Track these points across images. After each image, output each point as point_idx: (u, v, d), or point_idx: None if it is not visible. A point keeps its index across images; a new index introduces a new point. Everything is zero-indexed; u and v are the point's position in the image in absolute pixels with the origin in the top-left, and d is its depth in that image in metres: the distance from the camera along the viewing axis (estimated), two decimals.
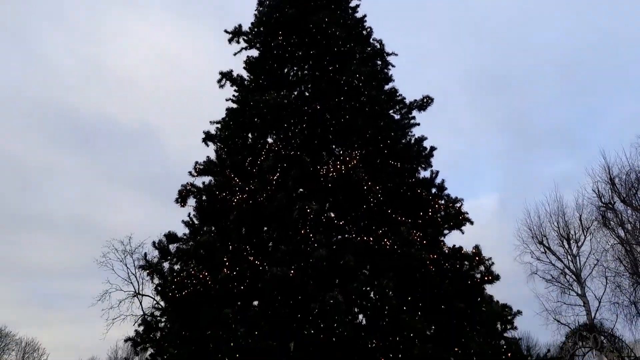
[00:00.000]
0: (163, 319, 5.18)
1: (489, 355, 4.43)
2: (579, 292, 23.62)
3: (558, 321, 24.53)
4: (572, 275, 24.24)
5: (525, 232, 27.00)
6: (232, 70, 6.50)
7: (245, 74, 6.57)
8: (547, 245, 25.82)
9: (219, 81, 6.43)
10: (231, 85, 6.45)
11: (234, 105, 6.38)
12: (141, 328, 4.85)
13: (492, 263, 5.04)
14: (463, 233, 5.71)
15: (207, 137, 6.15)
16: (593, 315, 22.25)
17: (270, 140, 5.89)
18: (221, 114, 6.40)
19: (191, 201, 5.86)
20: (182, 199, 5.61)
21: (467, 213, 5.72)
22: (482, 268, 5.10)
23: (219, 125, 6.26)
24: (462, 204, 5.84)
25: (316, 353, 4.17)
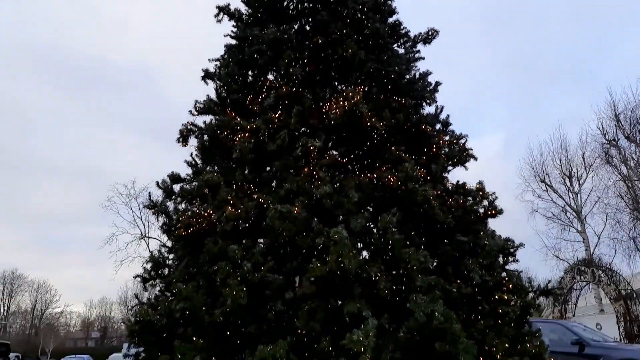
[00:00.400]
0: (170, 257, 5.27)
1: (490, 287, 4.52)
2: (579, 228, 23.98)
3: (557, 257, 25.09)
4: (573, 213, 24.51)
5: (528, 171, 27.03)
6: (229, 4, 6.27)
7: (243, 8, 6.34)
8: (548, 183, 25.94)
9: (216, 15, 6.21)
10: (229, 20, 6.24)
11: (233, 42, 6.19)
12: (149, 265, 4.95)
13: (496, 197, 5.06)
14: (467, 169, 5.70)
15: (206, 75, 6.03)
16: (592, 250, 22.70)
17: (270, 77, 5.76)
18: (220, 52, 6.24)
19: (193, 141, 5.82)
20: (183, 138, 5.56)
21: (472, 149, 5.68)
22: (485, 203, 5.13)
23: (218, 63, 6.12)
24: (466, 140, 5.80)
25: (321, 287, 4.25)
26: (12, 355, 26.89)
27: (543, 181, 25.95)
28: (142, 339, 4.62)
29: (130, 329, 4.48)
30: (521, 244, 4.87)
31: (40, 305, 66.96)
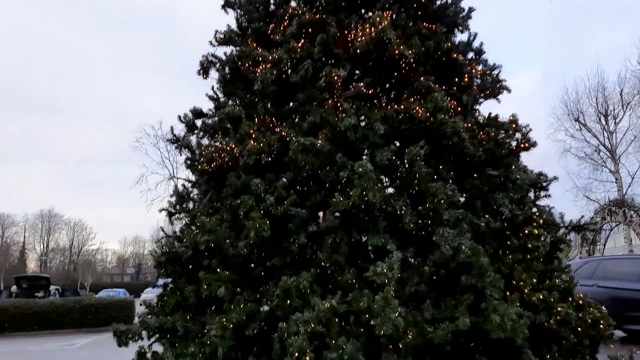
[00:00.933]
0: (194, 192, 5.27)
1: (520, 222, 4.39)
2: (612, 168, 23.34)
3: (588, 197, 24.66)
4: (607, 152, 23.77)
5: (561, 109, 26.13)
6: None
7: None
8: (583, 122, 25.07)
9: None
10: None
11: None
12: (174, 199, 4.96)
13: (530, 130, 4.81)
14: (499, 102, 5.41)
15: (226, 4, 5.76)
16: (624, 191, 22.15)
17: (293, 4, 5.46)
18: None
19: (214, 75, 5.66)
20: (203, 70, 5.40)
21: (505, 80, 5.37)
22: (518, 136, 4.89)
23: None
24: (500, 71, 5.48)
25: (344, 220, 4.19)
26: (52, 288, 28.47)
27: (577, 120, 25.09)
28: (169, 270, 4.70)
29: (157, 260, 4.54)
30: (555, 177, 4.67)
31: (77, 242, 70.32)
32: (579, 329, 4.20)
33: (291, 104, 5.10)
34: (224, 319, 3.90)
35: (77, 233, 70.29)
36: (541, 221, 4.56)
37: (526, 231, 4.29)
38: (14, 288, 26.98)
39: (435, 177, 4.24)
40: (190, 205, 5.03)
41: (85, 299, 22.07)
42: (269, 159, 4.49)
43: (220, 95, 5.56)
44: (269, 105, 4.97)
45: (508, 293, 3.93)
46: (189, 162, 5.39)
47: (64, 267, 68.90)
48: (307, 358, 3.39)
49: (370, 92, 4.78)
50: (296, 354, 3.39)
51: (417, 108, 4.40)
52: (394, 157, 4.31)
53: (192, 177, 5.57)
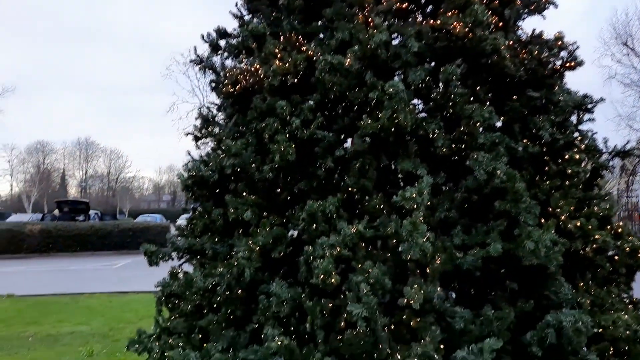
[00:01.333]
0: (220, 115, 5.15)
1: (560, 146, 4.14)
2: None
3: (630, 127, 23.59)
4: None
5: (609, 32, 24.47)
6: None
7: None
8: (631, 46, 23.48)
9: None
10: None
11: None
12: (199, 122, 4.86)
13: (577, 47, 4.42)
14: (545, 18, 4.96)
15: None
16: None
17: None
18: None
19: None
20: None
21: None
22: (563, 55, 4.51)
23: None
24: None
25: (373, 144, 4.03)
26: (92, 212, 29.75)
27: (625, 44, 23.54)
28: (196, 193, 4.70)
29: (184, 183, 4.53)
30: (602, 99, 4.33)
31: (114, 170, 72.75)
32: (616, 257, 4.05)
33: (319, 21, 4.80)
34: (251, 242, 3.91)
35: (114, 161, 72.59)
36: (583, 146, 4.29)
37: (566, 156, 4.05)
38: (56, 212, 28.33)
39: (472, 98, 3.98)
40: (216, 129, 4.93)
41: (123, 223, 23.03)
42: (295, 80, 4.29)
43: (245, 12, 5.28)
44: (295, 22, 4.69)
45: (542, 220, 3.77)
46: (213, 84, 5.23)
47: (103, 193, 71.85)
48: (333, 280, 3.37)
49: (403, 6, 4.43)
50: (322, 276, 3.37)
51: (455, 23, 4.05)
52: (428, 77, 4.04)
53: (219, 101, 5.43)
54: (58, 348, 6.26)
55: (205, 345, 3.92)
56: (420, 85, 4.09)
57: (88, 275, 14.48)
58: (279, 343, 3.36)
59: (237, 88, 4.71)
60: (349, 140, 4.53)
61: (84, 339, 6.77)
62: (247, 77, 4.62)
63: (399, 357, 3.30)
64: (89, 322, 7.95)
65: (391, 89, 3.70)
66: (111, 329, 7.34)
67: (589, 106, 4.30)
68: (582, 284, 3.87)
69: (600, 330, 3.64)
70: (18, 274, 15.12)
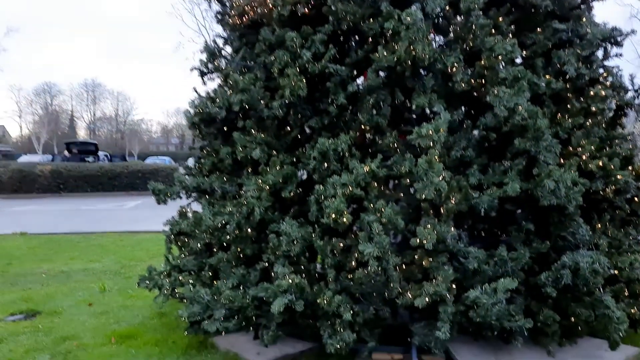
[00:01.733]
0: (227, 49, 4.92)
1: (585, 83, 3.92)
2: None
3: None
4: None
5: None
6: None
7: None
8: None
9: None
10: None
11: None
12: (204, 56, 4.64)
13: None
14: None
15: None
16: None
17: None
18: None
19: None
20: None
21: None
22: None
23: None
24: None
25: (388, 79, 3.83)
26: (101, 154, 29.87)
27: None
28: (203, 132, 4.57)
29: (191, 120, 4.39)
30: (633, 31, 4.05)
31: (122, 112, 72.45)
32: (636, 198, 3.93)
33: None
34: (260, 181, 3.82)
35: (121, 103, 72.15)
36: (608, 83, 4.07)
37: (591, 93, 3.84)
38: (66, 153, 28.47)
39: (494, 30, 3.73)
40: (223, 63, 4.71)
41: (132, 165, 23.09)
42: (306, 9, 4.03)
43: None
44: None
45: (562, 160, 3.63)
46: (219, 16, 4.97)
47: (111, 136, 71.95)
48: (344, 219, 3.29)
49: None
50: (333, 215, 3.30)
51: None
52: (447, 7, 3.78)
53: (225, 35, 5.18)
54: (71, 284, 6.36)
55: (215, 282, 3.93)
56: (439, 15, 3.85)
57: (99, 216, 14.67)
58: (290, 281, 3.33)
59: (244, 19, 4.47)
60: (362, 74, 4.33)
61: (96, 275, 6.87)
62: (255, 7, 4.36)
63: (409, 295, 3.27)
64: (100, 259, 8.07)
65: (408, 18, 3.46)
66: (122, 266, 7.44)
67: (618, 39, 4.03)
68: (599, 225, 3.77)
69: (615, 271, 3.58)
70: (30, 213, 15.35)
